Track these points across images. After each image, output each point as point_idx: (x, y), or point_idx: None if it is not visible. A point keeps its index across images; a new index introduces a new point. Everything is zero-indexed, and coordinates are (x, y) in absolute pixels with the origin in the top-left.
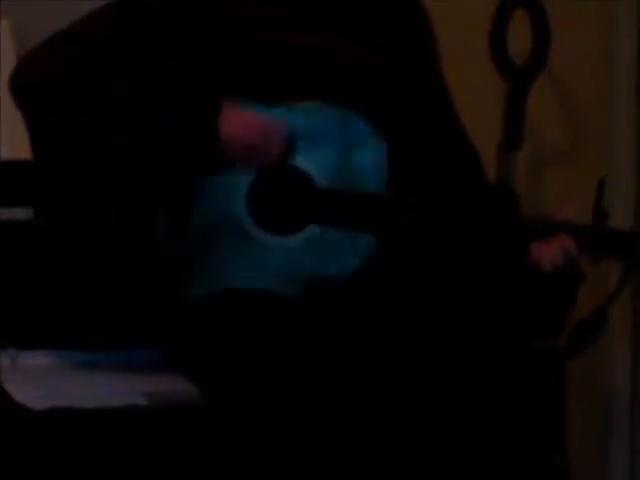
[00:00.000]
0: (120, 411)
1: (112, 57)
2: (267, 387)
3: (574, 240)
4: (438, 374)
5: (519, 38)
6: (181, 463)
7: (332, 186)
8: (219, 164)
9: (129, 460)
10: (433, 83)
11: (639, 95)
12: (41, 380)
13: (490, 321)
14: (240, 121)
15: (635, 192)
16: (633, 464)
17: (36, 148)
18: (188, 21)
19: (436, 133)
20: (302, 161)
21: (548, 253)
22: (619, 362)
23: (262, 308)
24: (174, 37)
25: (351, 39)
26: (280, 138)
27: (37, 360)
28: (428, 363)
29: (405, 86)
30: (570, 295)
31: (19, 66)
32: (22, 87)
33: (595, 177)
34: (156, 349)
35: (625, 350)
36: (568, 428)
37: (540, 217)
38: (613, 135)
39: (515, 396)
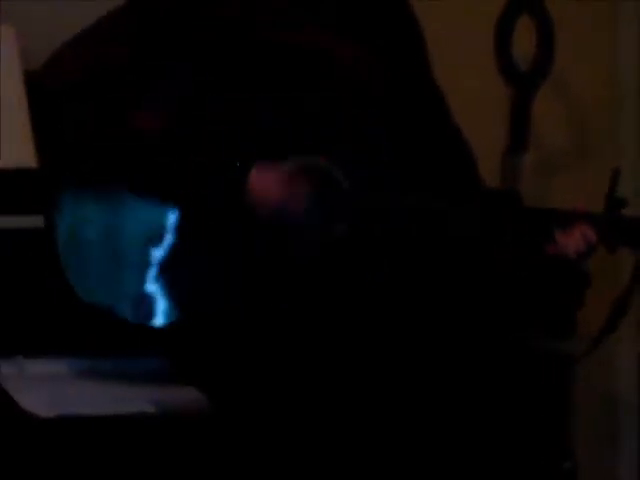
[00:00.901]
0: (129, 419)
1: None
2: (276, 395)
3: (593, 229)
4: (446, 377)
5: (523, 43)
6: (189, 471)
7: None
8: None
9: (137, 468)
10: (427, 83)
11: None
12: (49, 388)
13: (499, 322)
14: (267, 184)
15: None
16: None
17: (54, 143)
18: (188, 21)
19: (433, 132)
20: None
21: (572, 242)
22: (626, 364)
23: (269, 315)
24: (174, 37)
25: (351, 39)
26: (302, 196)
27: (45, 368)
28: (435, 365)
29: (403, 86)
30: (578, 296)
31: (47, 65)
32: (49, 79)
33: (601, 180)
34: (163, 357)
35: (632, 351)
36: (576, 431)
37: (559, 209)
38: (618, 138)
39: (524, 400)
